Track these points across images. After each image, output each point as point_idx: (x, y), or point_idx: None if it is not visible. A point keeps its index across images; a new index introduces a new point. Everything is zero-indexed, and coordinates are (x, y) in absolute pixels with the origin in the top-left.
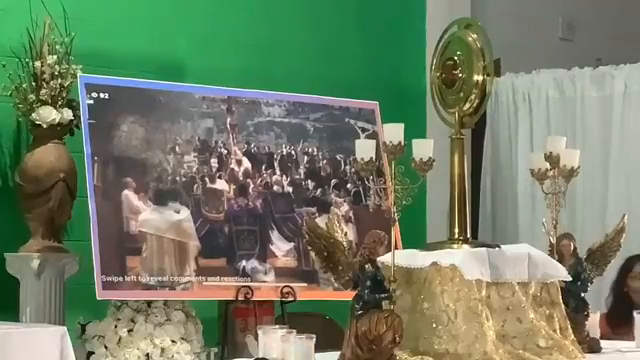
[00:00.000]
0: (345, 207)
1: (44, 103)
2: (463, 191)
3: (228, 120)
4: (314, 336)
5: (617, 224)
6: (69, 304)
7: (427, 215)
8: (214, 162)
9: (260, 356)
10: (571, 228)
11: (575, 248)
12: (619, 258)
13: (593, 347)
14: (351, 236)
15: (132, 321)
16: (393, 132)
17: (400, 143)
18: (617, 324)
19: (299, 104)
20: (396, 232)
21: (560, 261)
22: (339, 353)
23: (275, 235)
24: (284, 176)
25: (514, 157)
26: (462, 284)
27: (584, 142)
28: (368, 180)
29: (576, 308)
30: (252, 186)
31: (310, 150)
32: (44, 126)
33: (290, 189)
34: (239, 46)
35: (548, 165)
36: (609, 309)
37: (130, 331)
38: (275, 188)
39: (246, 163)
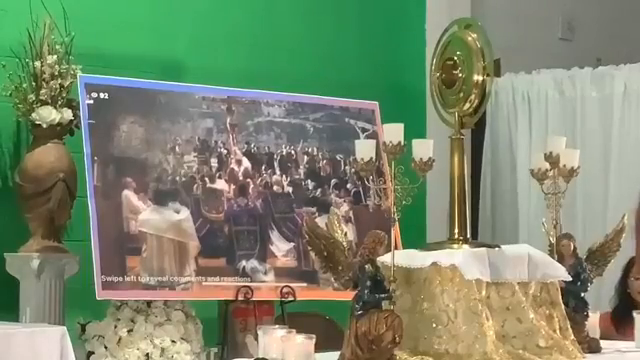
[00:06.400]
0: (345, 207)
1: (44, 103)
2: (463, 191)
3: (228, 120)
4: (314, 336)
5: (617, 224)
6: (69, 304)
7: (427, 215)
8: (214, 162)
9: (260, 356)
10: (571, 228)
11: (575, 248)
12: (621, 258)
13: (593, 347)
14: (351, 236)
15: (132, 321)
16: (393, 132)
17: (400, 143)
18: (621, 323)
19: (299, 104)
20: (396, 232)
21: (560, 261)
22: (339, 353)
23: (275, 235)
24: (284, 176)
25: (514, 157)
26: (462, 284)
27: (584, 142)
28: (368, 180)
29: (576, 308)
30: (252, 186)
31: (310, 150)
32: (44, 126)
33: (290, 189)
34: (239, 46)
35: (548, 165)
36: (613, 309)
37: (130, 331)
38: (275, 188)
39: (246, 163)
